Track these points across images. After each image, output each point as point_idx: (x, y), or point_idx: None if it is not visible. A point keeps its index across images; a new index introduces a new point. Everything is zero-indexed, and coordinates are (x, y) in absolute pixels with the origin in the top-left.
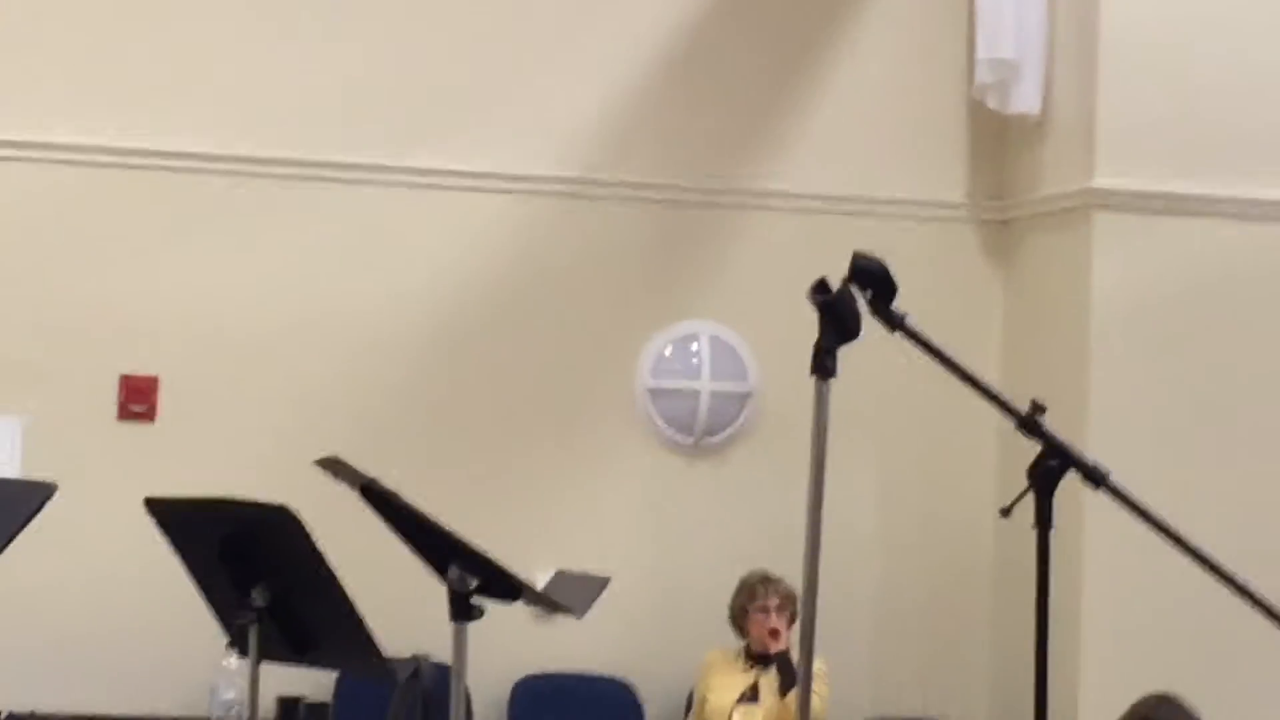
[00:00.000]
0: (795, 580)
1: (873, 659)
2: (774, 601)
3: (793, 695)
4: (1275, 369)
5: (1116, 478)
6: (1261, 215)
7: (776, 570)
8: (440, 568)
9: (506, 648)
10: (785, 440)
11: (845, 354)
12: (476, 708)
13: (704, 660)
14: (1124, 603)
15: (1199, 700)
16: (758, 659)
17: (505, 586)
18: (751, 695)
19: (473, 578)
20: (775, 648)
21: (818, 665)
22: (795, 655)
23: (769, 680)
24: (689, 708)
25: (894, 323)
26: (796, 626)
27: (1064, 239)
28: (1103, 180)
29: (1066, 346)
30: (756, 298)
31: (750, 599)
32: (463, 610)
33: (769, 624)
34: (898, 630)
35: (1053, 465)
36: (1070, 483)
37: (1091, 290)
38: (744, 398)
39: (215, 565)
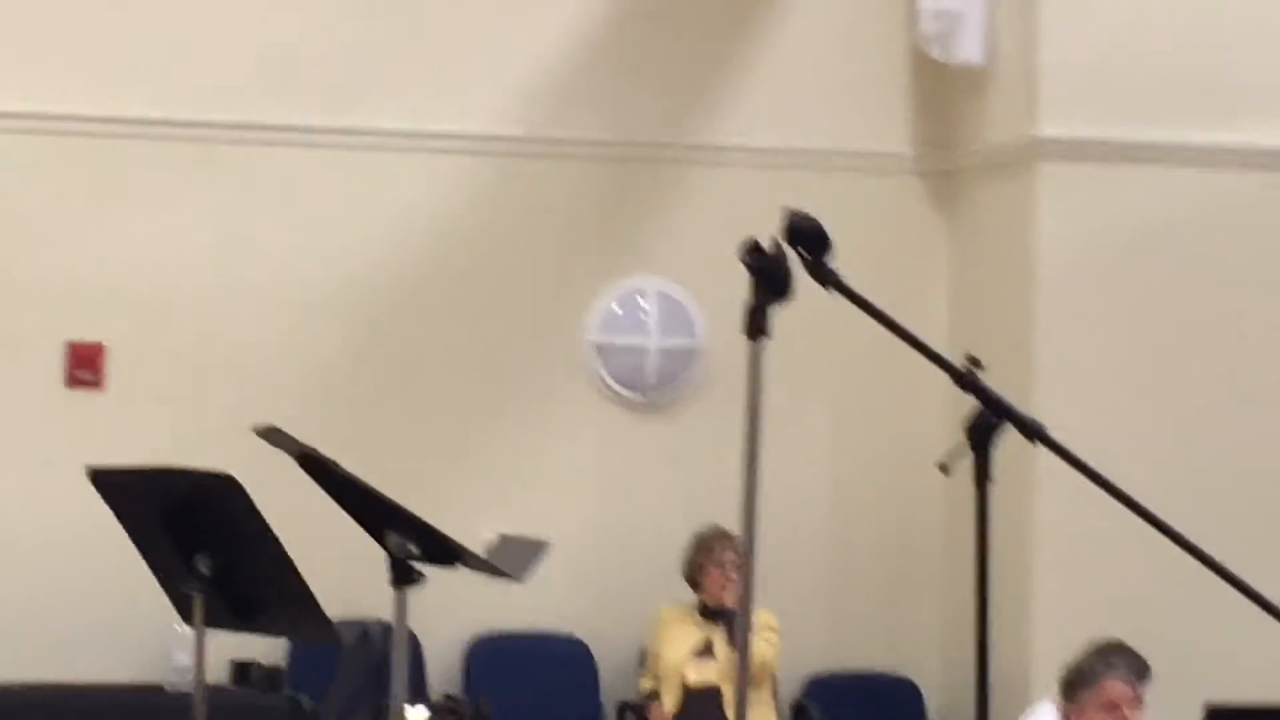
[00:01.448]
0: None
1: (825, 613)
2: (730, 557)
3: None
4: (1222, 317)
5: (1063, 429)
6: (1206, 162)
7: (727, 525)
8: (379, 535)
9: (459, 608)
10: (734, 395)
11: (794, 309)
12: (431, 667)
13: (658, 616)
14: (1073, 556)
15: (1148, 652)
16: (712, 614)
17: (445, 552)
18: (706, 651)
19: (412, 544)
20: (728, 601)
21: (768, 618)
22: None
23: (722, 635)
24: (642, 663)
25: (827, 281)
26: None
27: (1009, 189)
28: (1046, 129)
29: (1013, 297)
30: (704, 253)
31: (707, 554)
32: (403, 576)
33: (725, 579)
34: (850, 585)
35: (989, 420)
36: (1019, 437)
37: (1037, 240)
38: (692, 353)
39: (160, 534)
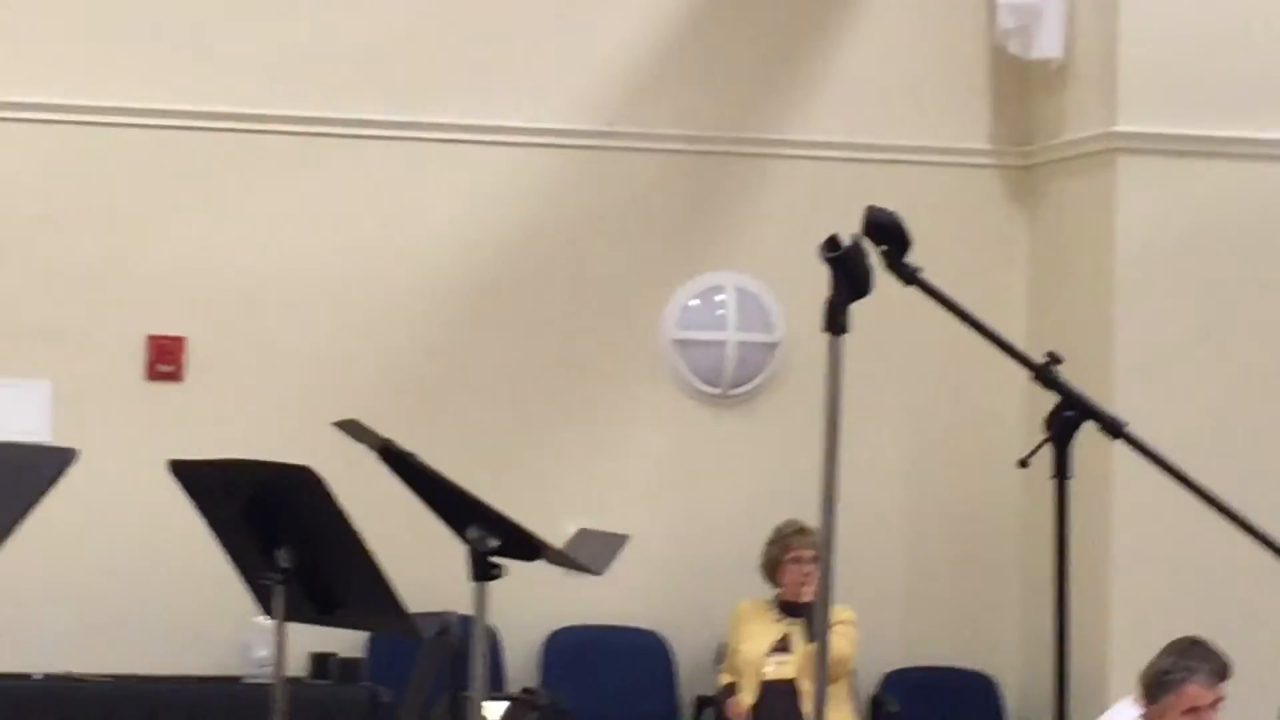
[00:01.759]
0: None
1: (903, 608)
2: (808, 553)
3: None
4: None
5: (1143, 423)
6: None
7: (806, 521)
8: (460, 528)
9: (539, 601)
10: (813, 389)
11: (872, 303)
12: (511, 660)
13: (735, 611)
14: (1152, 552)
15: (1225, 648)
16: (789, 609)
17: (525, 546)
18: (783, 645)
19: (492, 538)
20: (806, 597)
21: (846, 613)
22: None
23: (800, 630)
24: (720, 658)
25: (908, 277)
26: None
27: (1088, 184)
28: (1126, 124)
29: (1092, 292)
30: (782, 247)
31: (784, 550)
32: (483, 570)
33: (802, 574)
34: (928, 580)
35: (1069, 415)
36: (1097, 432)
37: (1116, 234)
38: (771, 348)
39: (240, 527)
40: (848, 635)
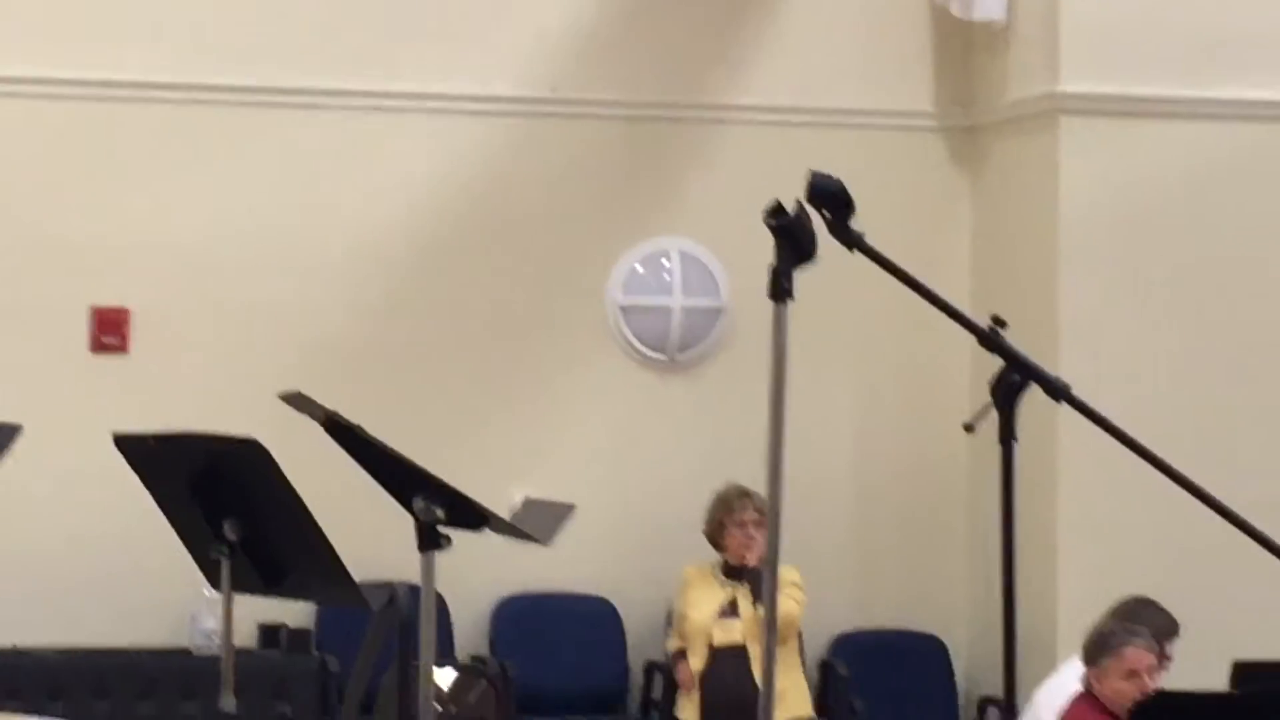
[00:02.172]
0: None
1: (851, 571)
2: (751, 516)
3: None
4: (1243, 270)
5: (1087, 386)
6: (1226, 115)
7: (752, 485)
8: (406, 499)
9: (487, 569)
10: (759, 354)
11: (818, 268)
12: (458, 628)
13: (682, 576)
14: (1098, 512)
15: (1174, 609)
16: (735, 573)
17: (471, 516)
18: (730, 610)
19: (438, 508)
20: (750, 560)
21: (792, 574)
22: None
23: (746, 593)
24: (669, 623)
25: (851, 242)
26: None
27: (1031, 145)
28: (1068, 85)
29: (1036, 253)
30: (726, 212)
31: (728, 513)
32: (430, 540)
33: (746, 538)
34: (875, 543)
35: (1014, 380)
36: (1042, 395)
37: (1059, 195)
38: (716, 313)
39: (186, 500)
40: (794, 597)
